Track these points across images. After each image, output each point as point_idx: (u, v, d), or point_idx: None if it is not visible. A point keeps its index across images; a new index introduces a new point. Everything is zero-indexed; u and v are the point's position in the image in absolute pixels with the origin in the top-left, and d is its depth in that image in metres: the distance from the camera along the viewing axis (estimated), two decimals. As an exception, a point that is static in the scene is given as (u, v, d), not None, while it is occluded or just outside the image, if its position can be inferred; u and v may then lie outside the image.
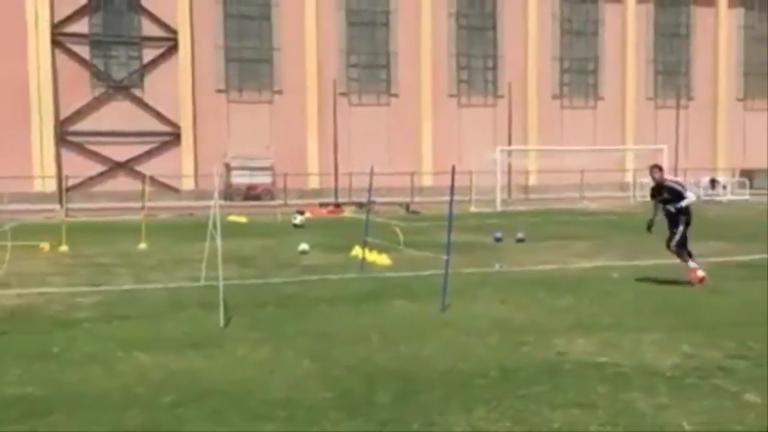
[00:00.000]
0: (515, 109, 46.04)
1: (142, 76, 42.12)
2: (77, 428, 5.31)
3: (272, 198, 40.84)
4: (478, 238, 19.11)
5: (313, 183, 43.67)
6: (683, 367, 6.70)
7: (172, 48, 41.95)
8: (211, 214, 9.63)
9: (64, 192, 30.18)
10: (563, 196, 40.27)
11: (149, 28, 41.98)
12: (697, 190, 41.55)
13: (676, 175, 43.60)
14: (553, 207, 34.02)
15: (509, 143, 43.75)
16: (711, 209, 32.60)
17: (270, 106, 44.09)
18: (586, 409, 5.57)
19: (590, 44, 49.92)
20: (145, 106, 41.80)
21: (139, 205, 25.36)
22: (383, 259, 14.00)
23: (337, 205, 34.26)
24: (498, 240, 18.38)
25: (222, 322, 8.52)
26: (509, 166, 41.24)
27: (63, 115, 40.66)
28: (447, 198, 10.04)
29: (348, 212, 31.97)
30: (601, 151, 42.91)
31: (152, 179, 31.46)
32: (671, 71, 51.43)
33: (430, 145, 45.89)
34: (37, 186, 39.60)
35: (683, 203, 11.22)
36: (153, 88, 41.85)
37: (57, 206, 32.62)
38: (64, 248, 16.97)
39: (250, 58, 44.18)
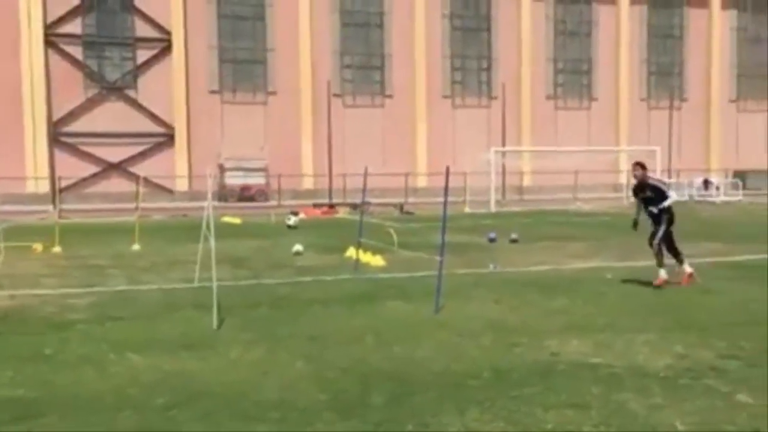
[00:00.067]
0: (509, 110, 46.13)
1: (135, 77, 42.03)
2: (70, 430, 5.30)
3: (266, 199, 40.81)
4: (472, 238, 19.14)
5: (307, 184, 43.64)
6: (676, 368, 6.72)
7: (166, 49, 41.87)
8: (204, 216, 9.62)
9: (57, 193, 30.16)
10: (557, 197, 40.34)
11: (143, 29, 41.89)
12: (690, 190, 41.87)
13: (669, 176, 43.95)
14: (547, 208, 34.08)
15: (503, 144, 43.82)
16: (704, 210, 32.73)
17: (264, 107, 44.05)
18: (580, 409, 5.59)
19: (584, 45, 50.04)
20: (139, 107, 41.71)
21: (132, 206, 25.34)
22: (377, 260, 14.00)
23: (331, 206, 34.25)
24: (492, 241, 18.41)
25: (215, 324, 8.51)
26: (503, 166, 41.33)
27: (56, 116, 40.55)
28: (441, 199, 10.05)
29: (342, 213, 31.97)
30: (594, 152, 43.05)
31: (146, 180, 31.39)
32: (664, 72, 51.59)
33: (425, 146, 45.92)
34: (30, 187, 39.47)
35: (665, 203, 11.19)
36: (146, 89, 41.77)
37: (50, 207, 32.55)
38: (57, 249, 16.92)
39: (244, 59, 44.14)
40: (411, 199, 37.96)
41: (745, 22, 52.92)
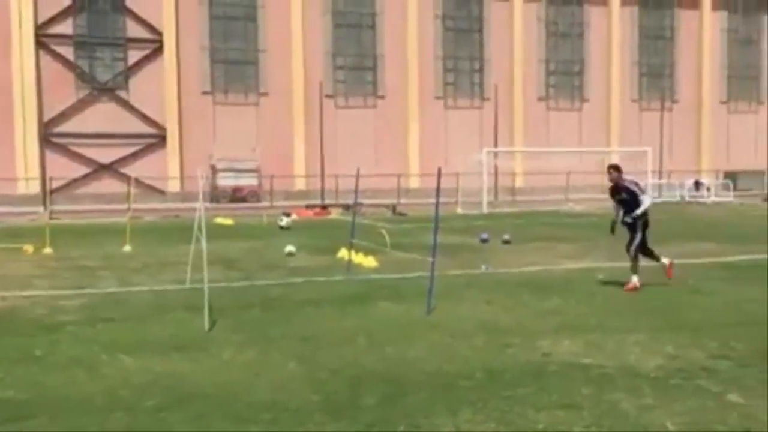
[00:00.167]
0: (501, 111, 46.20)
1: (127, 78, 41.88)
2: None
3: (258, 200, 40.74)
4: (465, 239, 19.16)
5: (300, 185, 43.59)
6: (667, 368, 6.74)
7: (157, 50, 41.75)
8: (196, 217, 9.60)
9: (48, 194, 30.03)
10: (549, 198, 40.45)
11: (134, 30, 41.75)
12: (681, 191, 42.05)
13: (660, 177, 44.13)
14: (539, 209, 34.16)
15: (495, 145, 43.88)
16: (695, 211, 32.88)
17: (256, 107, 43.98)
18: (571, 410, 5.60)
19: (575, 47, 50.17)
20: (130, 108, 41.56)
21: (124, 207, 25.25)
22: (369, 261, 14.00)
23: (324, 207, 34.23)
24: (484, 241, 18.43)
25: (207, 325, 8.49)
26: (495, 167, 41.37)
27: (47, 117, 40.36)
28: (433, 200, 10.06)
29: (334, 214, 31.96)
30: (586, 153, 43.15)
31: (137, 181, 31.30)
32: (656, 74, 51.78)
33: (417, 147, 45.94)
34: (21, 188, 39.29)
35: (638, 212, 11.04)
36: (138, 90, 41.63)
37: (41, 208, 32.42)
38: (48, 251, 16.85)
39: (235, 59, 44.05)
40: (403, 200, 37.99)
41: (736, 24, 53.18)
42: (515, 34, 47.93)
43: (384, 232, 14.87)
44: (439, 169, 10.09)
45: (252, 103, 43.95)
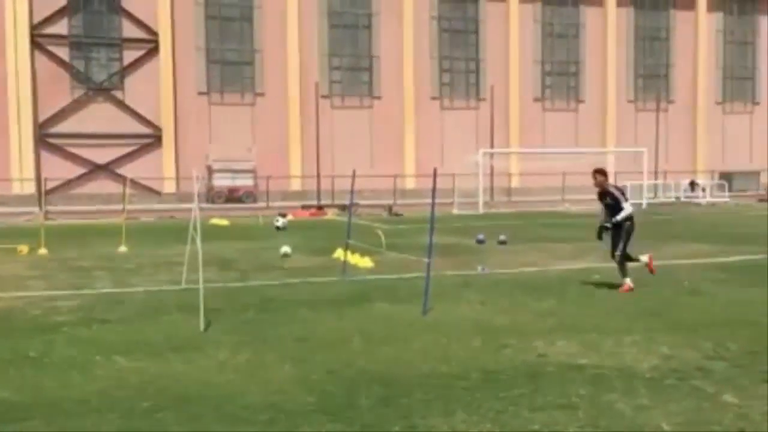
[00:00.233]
0: (497, 112, 46.25)
1: (122, 78, 41.85)
2: (55, 434, 5.26)
3: (254, 200, 40.73)
4: (461, 240, 19.17)
5: (296, 185, 43.59)
6: (662, 369, 6.75)
7: (153, 50, 41.71)
8: (192, 217, 9.58)
9: (43, 194, 29.97)
10: (545, 199, 40.50)
11: (130, 30, 41.71)
12: (676, 191, 42.13)
13: (656, 178, 44.19)
14: (535, 209, 34.20)
15: (491, 146, 43.93)
16: (690, 211, 32.94)
17: (252, 108, 43.96)
18: (567, 410, 5.60)
19: (571, 47, 50.26)
20: (126, 108, 41.53)
21: (119, 207, 25.20)
22: (365, 262, 14.00)
23: (320, 208, 34.23)
24: (480, 242, 18.44)
25: (202, 326, 8.47)
26: (491, 168, 41.43)
27: (42, 117, 40.30)
28: (429, 200, 10.05)
29: (330, 215, 31.95)
30: (582, 154, 43.17)
31: (133, 182, 31.26)
32: (651, 74, 51.91)
33: (413, 147, 45.97)
34: (16, 189, 39.22)
35: (618, 218, 11.05)
36: (134, 90, 41.58)
37: (36, 209, 32.32)
38: (43, 251, 16.82)
39: (231, 60, 44.04)
40: (399, 201, 37.98)
41: (731, 25, 53.35)
42: (511, 35, 48.00)
43: (380, 232, 14.86)
44: (435, 170, 10.08)
45: (248, 104, 43.93)
